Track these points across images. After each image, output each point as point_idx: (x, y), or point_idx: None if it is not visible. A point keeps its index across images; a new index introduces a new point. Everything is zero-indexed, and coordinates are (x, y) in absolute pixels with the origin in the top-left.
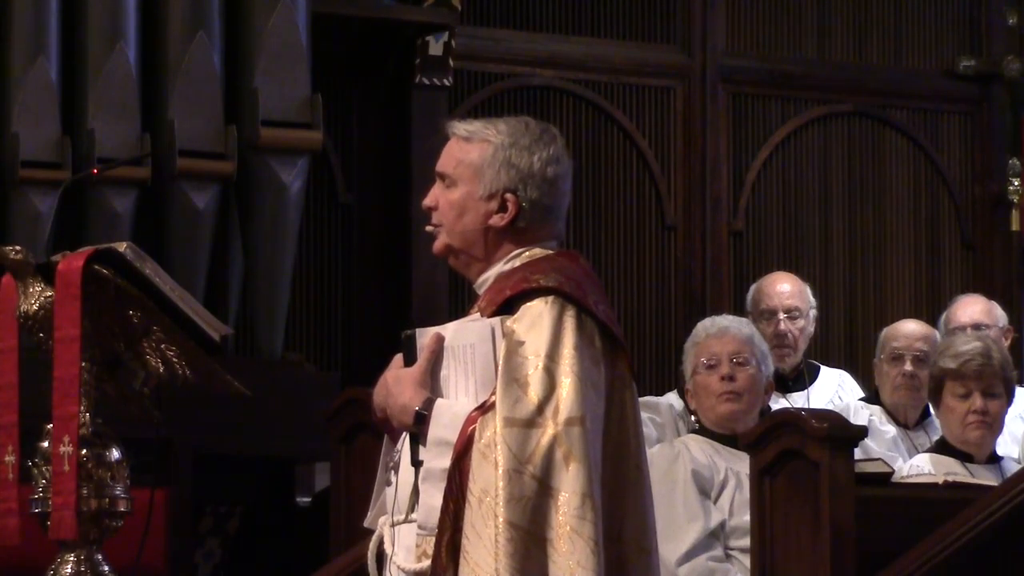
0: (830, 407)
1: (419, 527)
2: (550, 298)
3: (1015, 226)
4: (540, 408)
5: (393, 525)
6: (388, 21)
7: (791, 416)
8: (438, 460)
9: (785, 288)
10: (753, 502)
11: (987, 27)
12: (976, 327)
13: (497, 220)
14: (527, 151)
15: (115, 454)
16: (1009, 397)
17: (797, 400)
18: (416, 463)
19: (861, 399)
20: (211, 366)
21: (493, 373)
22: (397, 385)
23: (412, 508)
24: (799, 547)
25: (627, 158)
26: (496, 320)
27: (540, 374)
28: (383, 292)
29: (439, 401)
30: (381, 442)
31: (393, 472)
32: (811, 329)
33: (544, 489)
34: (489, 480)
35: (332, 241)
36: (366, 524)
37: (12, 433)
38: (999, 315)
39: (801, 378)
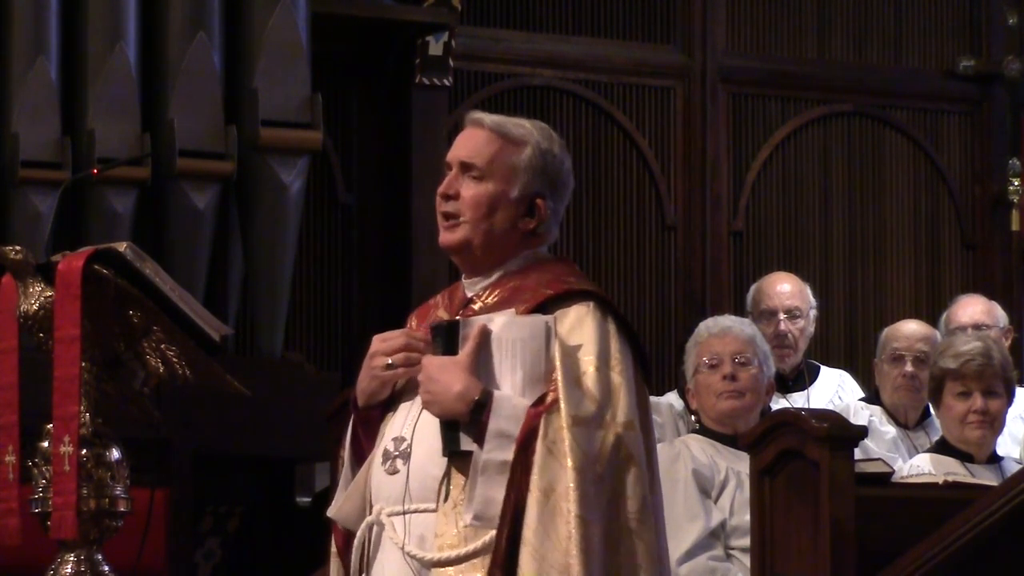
0: (830, 407)
1: (475, 518)
2: (591, 303)
3: (1015, 226)
4: (601, 410)
5: (404, 513)
6: (388, 21)
7: (791, 416)
8: (498, 452)
9: (785, 288)
10: (753, 502)
11: (987, 27)
12: (977, 327)
13: (525, 224)
14: (557, 158)
15: (115, 454)
16: (1009, 397)
17: (797, 400)
18: (456, 452)
19: (861, 399)
20: (211, 366)
21: (541, 370)
22: (444, 373)
23: (445, 497)
24: (799, 547)
25: (627, 158)
26: (551, 318)
27: (595, 376)
28: (383, 292)
29: (497, 392)
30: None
31: (400, 460)
32: (811, 329)
33: (610, 489)
34: (556, 476)
35: (332, 241)
36: (332, 514)
37: (12, 433)
38: (999, 315)
39: (801, 378)
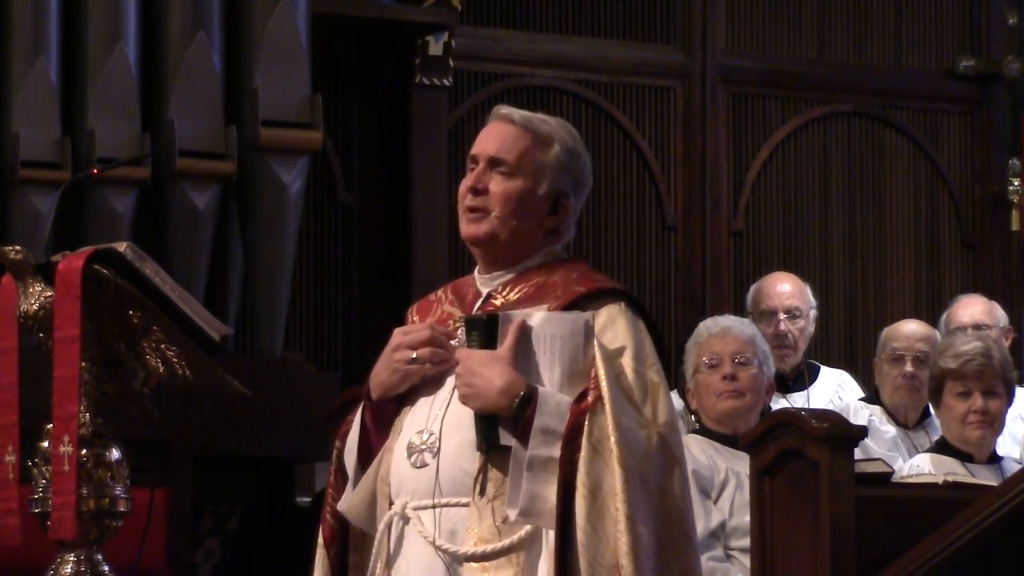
0: (830, 407)
1: (520, 514)
2: (622, 302)
3: (1015, 226)
4: (642, 410)
5: (434, 507)
6: (388, 21)
7: (791, 416)
8: (543, 449)
9: (785, 288)
10: (753, 502)
11: (987, 27)
12: (977, 327)
13: (549, 222)
14: (581, 158)
15: (115, 454)
16: (1009, 397)
17: (797, 400)
18: (494, 447)
19: (861, 399)
20: (211, 366)
21: (579, 367)
22: (487, 367)
23: (481, 491)
24: (799, 547)
25: (627, 158)
26: (589, 315)
27: (633, 376)
28: (383, 292)
29: (541, 388)
30: None
31: (428, 454)
32: (811, 329)
33: (657, 489)
34: (603, 475)
35: (332, 241)
36: (343, 509)
37: (12, 433)
38: (1000, 315)
39: (801, 378)
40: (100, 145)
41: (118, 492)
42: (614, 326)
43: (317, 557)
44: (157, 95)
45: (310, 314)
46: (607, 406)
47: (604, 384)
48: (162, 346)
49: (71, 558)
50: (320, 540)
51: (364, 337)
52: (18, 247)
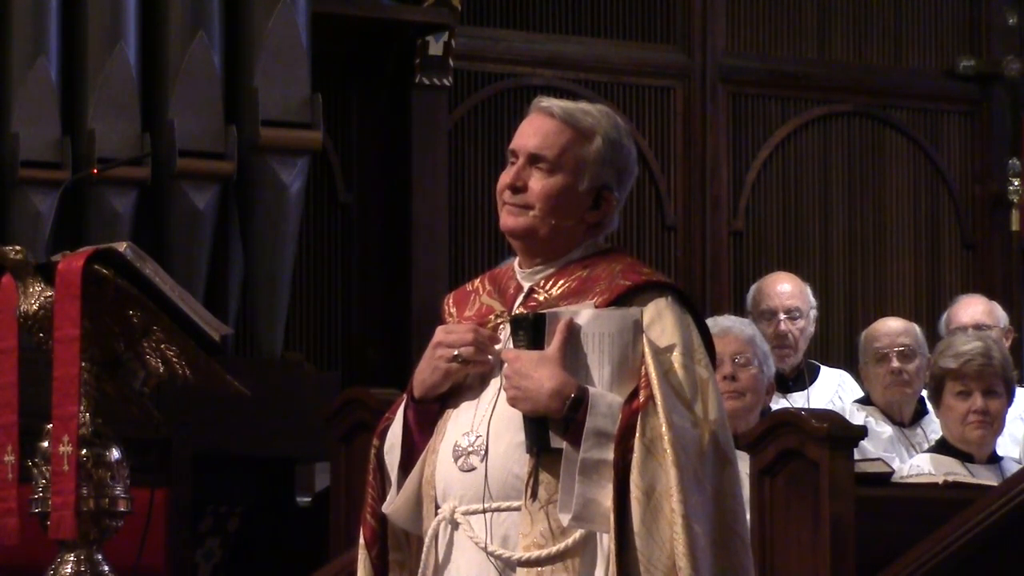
0: (830, 407)
1: (574, 519)
2: (668, 296)
3: (1015, 226)
4: (694, 407)
5: (484, 512)
6: (388, 21)
7: (791, 416)
8: (596, 451)
9: (785, 288)
10: (753, 502)
11: (987, 27)
12: (977, 327)
13: (591, 216)
14: (624, 148)
15: (115, 454)
16: (1009, 397)
17: (797, 400)
18: (545, 450)
19: (857, 401)
20: (211, 366)
21: (629, 365)
22: (538, 368)
23: (532, 495)
24: (799, 547)
25: None
26: (638, 311)
27: (683, 372)
28: (383, 292)
29: (592, 389)
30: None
31: (475, 457)
32: (811, 329)
33: (711, 488)
34: (657, 476)
35: (332, 241)
36: (388, 512)
37: (12, 433)
38: (1000, 315)
39: (801, 378)
40: (100, 145)
41: (118, 492)
42: (662, 320)
43: (359, 559)
44: (157, 95)
45: (310, 314)
46: (659, 405)
47: (655, 382)
48: (162, 346)
49: (71, 558)
50: (361, 541)
51: (364, 337)
52: (18, 247)
